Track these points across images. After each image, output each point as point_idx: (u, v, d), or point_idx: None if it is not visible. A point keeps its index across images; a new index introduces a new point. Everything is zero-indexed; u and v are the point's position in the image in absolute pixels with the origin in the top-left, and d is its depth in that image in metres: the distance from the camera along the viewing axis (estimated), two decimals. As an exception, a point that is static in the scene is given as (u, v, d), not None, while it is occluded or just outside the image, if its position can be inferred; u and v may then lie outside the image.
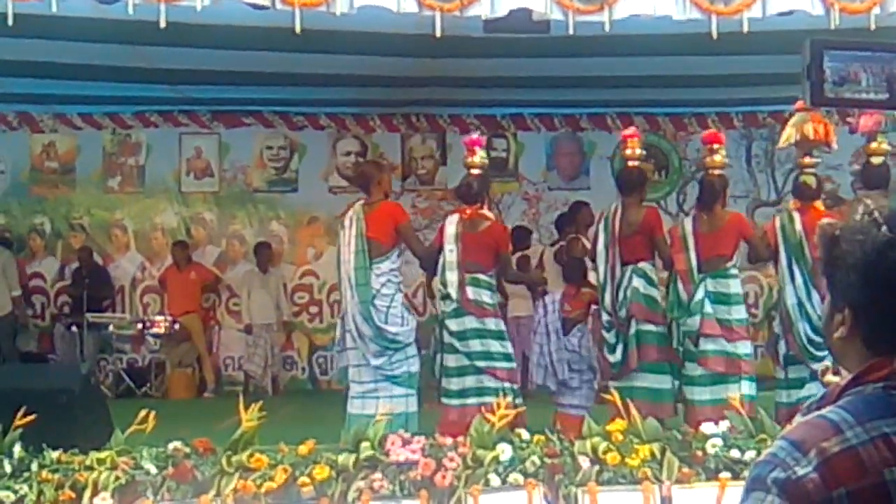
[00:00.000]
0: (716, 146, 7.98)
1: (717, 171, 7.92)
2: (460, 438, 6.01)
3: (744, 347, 7.65)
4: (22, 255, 12.45)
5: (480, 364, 7.49)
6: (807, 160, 7.83)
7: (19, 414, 6.01)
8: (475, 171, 7.79)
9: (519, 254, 10.32)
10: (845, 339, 1.65)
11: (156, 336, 12.28)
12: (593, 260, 8.01)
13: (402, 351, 7.47)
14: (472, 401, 7.31)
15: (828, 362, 6.99)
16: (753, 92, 10.97)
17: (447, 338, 7.60)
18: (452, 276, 7.54)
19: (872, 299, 1.60)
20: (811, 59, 2.42)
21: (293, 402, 10.97)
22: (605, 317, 7.81)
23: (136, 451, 5.95)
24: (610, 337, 7.77)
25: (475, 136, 8.18)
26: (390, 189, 8.14)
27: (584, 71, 10.05)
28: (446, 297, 7.57)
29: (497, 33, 7.53)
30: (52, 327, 12.57)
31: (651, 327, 7.69)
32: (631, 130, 8.44)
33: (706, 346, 7.58)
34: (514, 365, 7.72)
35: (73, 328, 12.08)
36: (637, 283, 7.65)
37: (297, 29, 6.29)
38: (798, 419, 1.65)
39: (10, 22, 6.19)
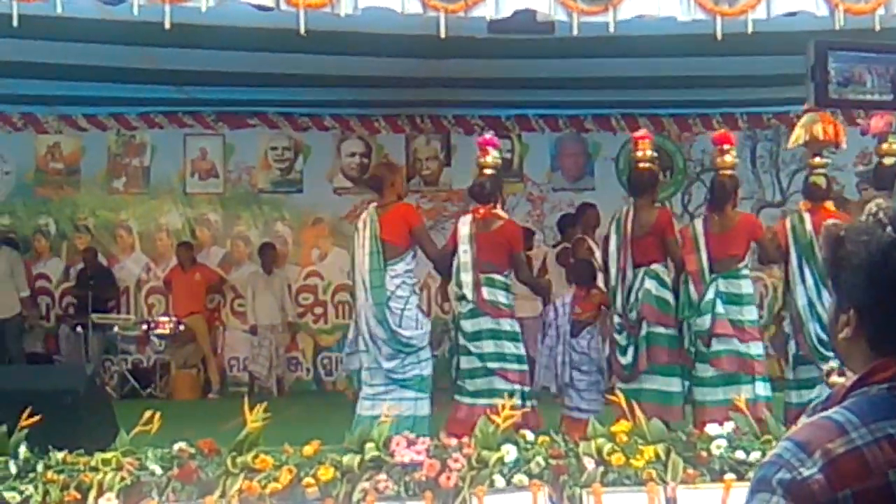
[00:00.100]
0: (726, 147, 7.94)
1: (727, 172, 7.88)
2: (465, 439, 6.00)
3: (756, 348, 7.62)
4: (27, 256, 12.45)
5: (492, 365, 7.47)
6: (817, 161, 7.80)
7: (24, 415, 6.00)
8: (488, 171, 7.74)
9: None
10: (850, 339, 1.64)
11: (161, 337, 12.27)
12: (604, 262, 7.98)
13: (414, 354, 7.43)
14: (482, 401, 7.27)
15: (834, 363, 6.97)
16: (758, 93, 10.96)
17: (461, 339, 7.58)
18: (467, 277, 7.51)
19: (877, 300, 1.60)
20: (815, 60, 2.42)
21: (298, 402, 10.95)
22: (616, 319, 7.78)
23: (141, 451, 5.94)
24: (621, 339, 7.73)
25: (489, 135, 8.11)
26: (403, 191, 7.98)
27: (589, 72, 10.04)
28: (462, 298, 7.56)
29: (501, 34, 7.52)
30: (57, 328, 12.59)
31: (662, 329, 7.65)
32: (642, 132, 8.36)
33: (718, 346, 7.54)
34: (525, 367, 7.67)
35: (78, 329, 12.09)
36: (649, 284, 7.61)
37: (302, 30, 6.28)
38: (803, 420, 1.65)
39: (14, 23, 6.20)
